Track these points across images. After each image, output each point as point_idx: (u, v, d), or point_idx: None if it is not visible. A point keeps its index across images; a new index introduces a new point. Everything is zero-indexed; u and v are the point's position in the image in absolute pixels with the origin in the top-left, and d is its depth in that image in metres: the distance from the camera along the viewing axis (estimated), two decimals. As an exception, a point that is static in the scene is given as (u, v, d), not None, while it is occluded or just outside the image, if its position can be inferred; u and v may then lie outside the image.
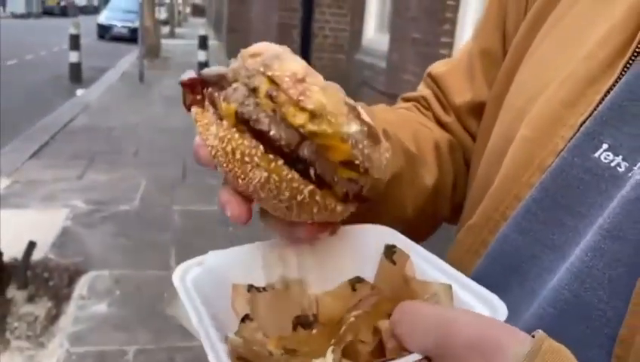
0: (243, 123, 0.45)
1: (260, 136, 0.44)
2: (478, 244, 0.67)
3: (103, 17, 24.67)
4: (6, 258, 3.64)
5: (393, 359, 0.41)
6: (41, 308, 3.45)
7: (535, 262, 0.60)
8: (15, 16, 38.77)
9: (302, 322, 0.51)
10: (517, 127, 0.66)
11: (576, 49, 0.64)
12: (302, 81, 0.44)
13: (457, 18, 4.73)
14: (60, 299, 3.57)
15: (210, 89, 0.49)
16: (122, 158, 6.67)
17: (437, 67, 0.90)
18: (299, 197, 0.46)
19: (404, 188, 0.73)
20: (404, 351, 0.41)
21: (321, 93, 0.44)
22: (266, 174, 0.45)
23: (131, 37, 19.96)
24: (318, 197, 0.46)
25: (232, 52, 16.16)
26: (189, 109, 0.51)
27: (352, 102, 0.47)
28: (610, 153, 0.57)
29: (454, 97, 0.85)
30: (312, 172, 0.45)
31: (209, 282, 0.51)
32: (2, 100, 9.47)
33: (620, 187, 0.55)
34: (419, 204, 0.76)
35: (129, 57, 16.25)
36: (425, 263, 0.52)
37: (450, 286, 0.48)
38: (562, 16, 0.70)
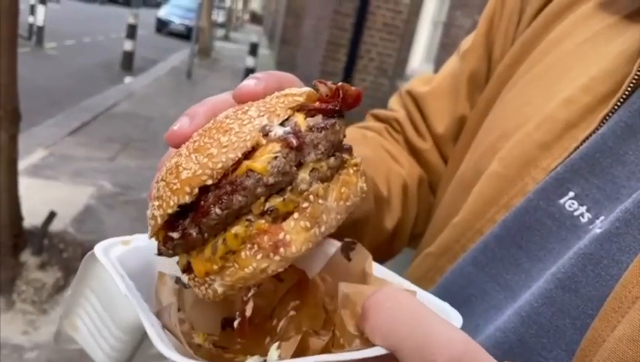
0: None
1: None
2: (434, 272, 0.67)
3: (163, 12, 25.34)
4: (27, 224, 3.77)
5: (354, 350, 0.37)
6: (50, 276, 3.56)
7: (485, 297, 0.61)
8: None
9: (230, 324, 0.47)
10: (487, 161, 0.66)
11: (557, 90, 0.63)
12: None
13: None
14: (71, 271, 3.66)
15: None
16: (155, 148, 6.82)
17: (417, 85, 0.87)
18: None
19: (367, 231, 0.73)
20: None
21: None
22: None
23: (187, 34, 20.44)
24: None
25: (281, 63, 16.38)
26: None
27: None
28: (575, 202, 0.56)
29: (436, 125, 0.83)
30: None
31: (134, 261, 0.49)
32: (54, 77, 9.82)
33: (579, 238, 0.54)
34: (375, 244, 0.76)
35: (181, 54, 16.64)
36: (382, 276, 0.50)
37: (414, 292, 0.44)
38: (547, 54, 0.68)
